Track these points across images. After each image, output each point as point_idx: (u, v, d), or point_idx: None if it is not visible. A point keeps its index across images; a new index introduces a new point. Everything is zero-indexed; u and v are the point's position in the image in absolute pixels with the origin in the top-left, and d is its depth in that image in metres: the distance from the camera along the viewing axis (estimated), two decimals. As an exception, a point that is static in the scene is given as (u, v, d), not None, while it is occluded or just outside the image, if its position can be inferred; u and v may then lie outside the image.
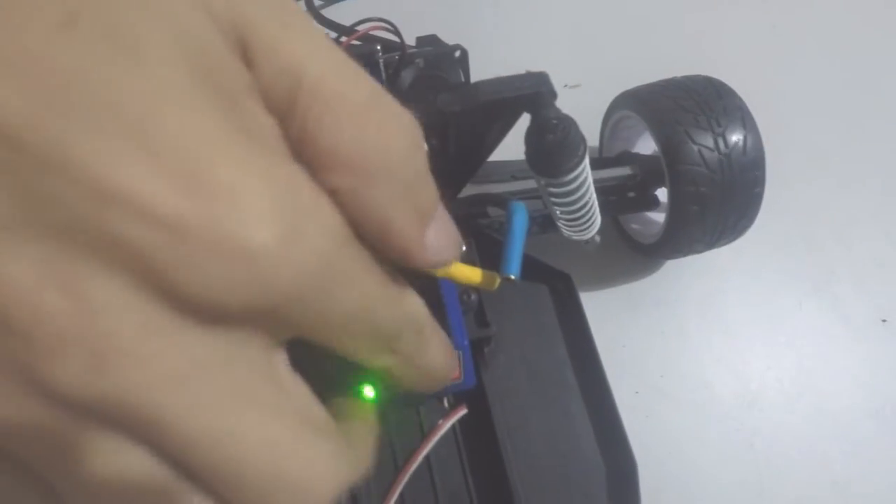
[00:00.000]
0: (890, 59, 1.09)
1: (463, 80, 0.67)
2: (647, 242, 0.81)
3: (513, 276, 0.51)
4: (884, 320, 0.87)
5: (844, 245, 0.92)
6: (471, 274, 0.53)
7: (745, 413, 0.81)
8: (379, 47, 0.68)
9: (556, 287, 0.67)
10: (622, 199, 0.79)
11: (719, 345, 0.85)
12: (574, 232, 0.63)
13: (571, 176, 0.57)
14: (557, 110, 0.55)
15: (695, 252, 0.78)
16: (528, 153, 0.58)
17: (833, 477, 0.78)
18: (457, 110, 0.55)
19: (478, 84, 0.55)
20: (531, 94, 0.55)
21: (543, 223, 0.71)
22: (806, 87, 1.06)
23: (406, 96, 0.65)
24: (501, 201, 0.54)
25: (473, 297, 0.62)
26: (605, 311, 0.85)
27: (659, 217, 0.80)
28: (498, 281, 0.54)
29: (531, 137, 0.57)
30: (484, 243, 0.66)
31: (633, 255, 0.87)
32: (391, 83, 0.66)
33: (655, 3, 1.12)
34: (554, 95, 0.56)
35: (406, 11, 1.04)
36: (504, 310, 0.63)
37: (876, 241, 0.93)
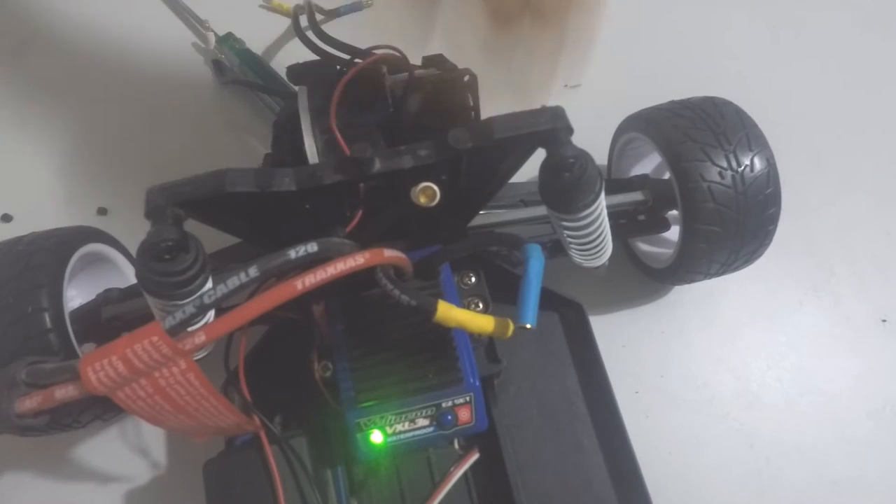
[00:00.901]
0: (890, 60, 1.07)
1: (471, 104, 0.64)
2: (658, 266, 0.79)
3: (529, 325, 0.49)
4: (884, 320, 0.86)
5: (844, 245, 0.91)
6: (483, 323, 0.51)
7: (745, 413, 0.80)
8: (385, 68, 0.65)
9: (566, 316, 0.65)
10: (632, 222, 0.76)
11: (719, 345, 0.84)
12: (585, 259, 0.61)
13: (586, 212, 0.55)
14: (574, 147, 0.53)
15: (708, 278, 0.76)
16: (542, 189, 0.56)
17: (833, 476, 0.77)
18: (469, 147, 0.53)
19: (491, 120, 0.53)
20: (547, 130, 0.53)
21: (553, 248, 0.69)
22: (806, 88, 1.04)
23: (414, 122, 0.62)
24: (516, 242, 0.52)
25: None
26: (604, 310, 0.84)
27: (669, 238, 0.77)
28: (511, 329, 0.52)
29: (546, 174, 0.55)
30: (493, 273, 0.63)
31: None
32: (397, 108, 0.63)
33: (654, 5, 1.10)
34: (570, 131, 0.53)
35: (405, 16, 1.02)
36: (513, 339, 0.61)
37: (876, 241, 0.91)
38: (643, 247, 0.84)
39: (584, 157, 0.53)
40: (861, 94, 1.04)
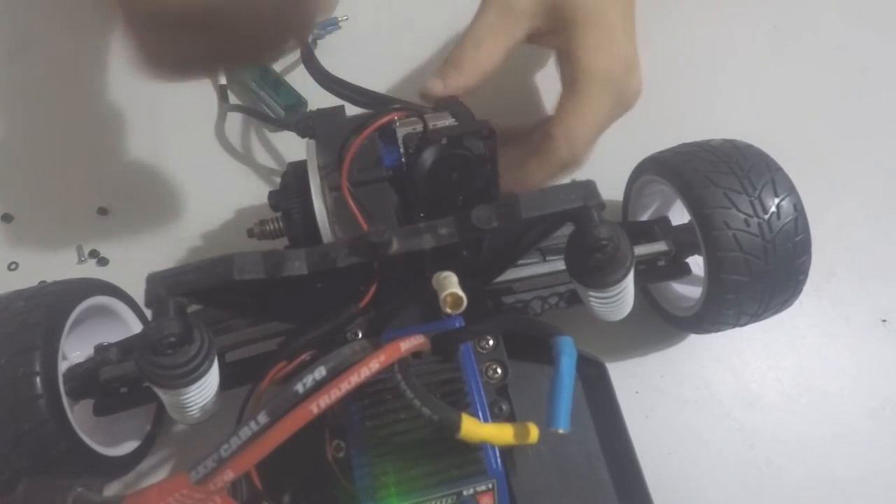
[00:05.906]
0: (890, 59, 1.00)
1: (489, 156, 0.57)
2: (680, 314, 0.72)
3: (562, 430, 0.43)
4: (884, 320, 0.81)
5: (844, 245, 0.85)
6: (508, 436, 0.45)
7: (745, 413, 0.75)
8: (396, 119, 0.58)
9: (587, 375, 0.57)
10: (652, 268, 0.70)
11: (719, 345, 0.78)
12: (605, 314, 0.54)
13: (617, 286, 0.49)
14: (607, 227, 0.46)
15: (737, 327, 0.70)
16: (569, 265, 0.49)
17: (833, 477, 0.72)
18: (494, 227, 0.46)
19: (518, 197, 0.46)
20: (577, 208, 0.46)
21: (570, 298, 0.62)
22: (804, 86, 0.98)
23: (427, 176, 0.56)
24: (548, 332, 0.45)
25: (505, 407, 0.52)
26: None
27: (691, 284, 0.72)
28: (536, 433, 0.45)
29: (575, 251, 0.48)
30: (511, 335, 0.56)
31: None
32: (410, 162, 0.56)
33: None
34: (602, 207, 0.47)
35: (405, 19, 0.96)
36: (531, 399, 0.54)
37: (876, 241, 0.86)
38: (665, 293, 0.77)
39: (617, 236, 0.47)
40: (861, 93, 0.97)
